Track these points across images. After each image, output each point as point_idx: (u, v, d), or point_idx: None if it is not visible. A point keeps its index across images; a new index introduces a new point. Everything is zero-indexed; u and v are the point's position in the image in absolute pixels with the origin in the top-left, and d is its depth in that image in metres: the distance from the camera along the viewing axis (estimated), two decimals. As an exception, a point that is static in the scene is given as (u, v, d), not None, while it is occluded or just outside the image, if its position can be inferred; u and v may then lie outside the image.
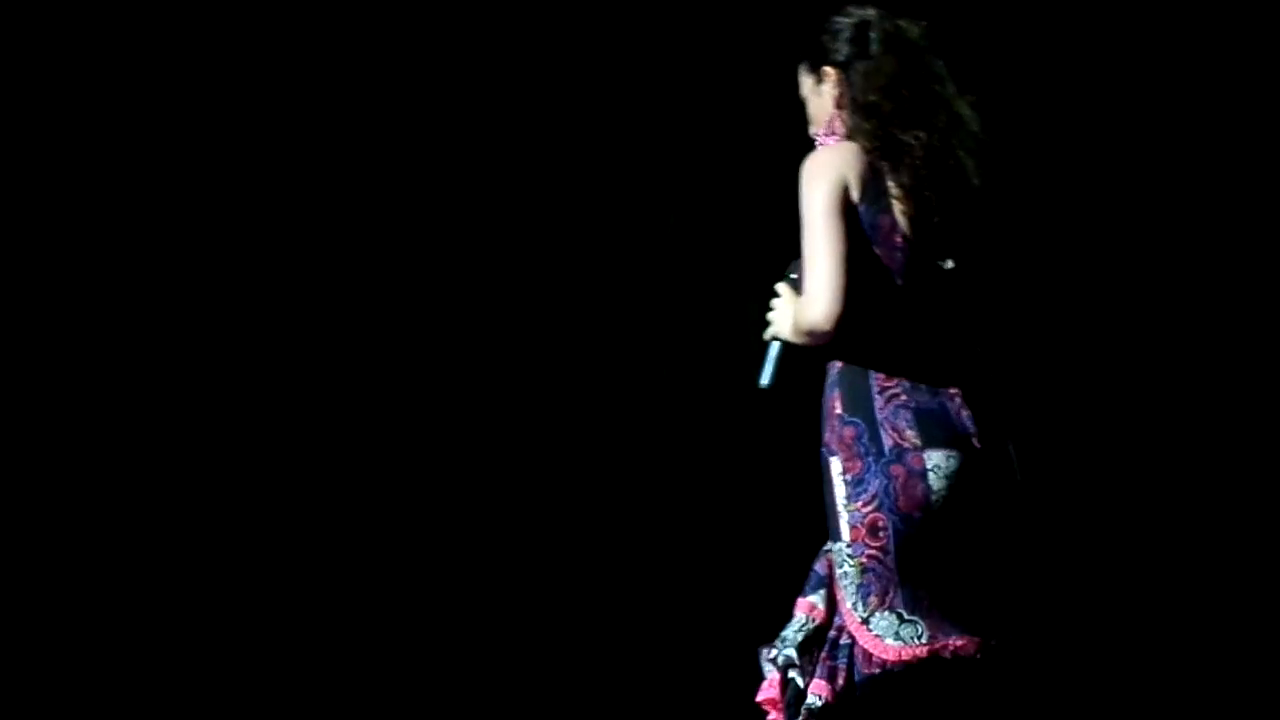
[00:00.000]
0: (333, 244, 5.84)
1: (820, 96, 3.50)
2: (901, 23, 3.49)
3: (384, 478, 5.81)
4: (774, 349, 3.46)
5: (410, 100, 5.82)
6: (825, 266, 3.28)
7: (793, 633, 3.40)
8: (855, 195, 3.34)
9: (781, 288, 3.47)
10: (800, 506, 3.73)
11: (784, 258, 3.56)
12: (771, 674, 3.42)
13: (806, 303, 3.30)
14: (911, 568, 3.27)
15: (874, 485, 3.28)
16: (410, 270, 5.86)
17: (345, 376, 5.83)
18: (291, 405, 5.80)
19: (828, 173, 3.34)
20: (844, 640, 3.34)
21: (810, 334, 3.32)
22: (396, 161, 5.84)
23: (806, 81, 3.53)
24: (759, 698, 3.44)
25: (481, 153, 5.85)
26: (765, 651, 3.45)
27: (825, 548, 3.43)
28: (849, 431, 3.32)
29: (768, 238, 3.86)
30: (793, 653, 3.37)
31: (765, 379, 3.47)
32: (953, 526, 3.29)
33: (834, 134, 3.47)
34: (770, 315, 3.49)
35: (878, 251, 3.35)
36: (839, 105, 3.46)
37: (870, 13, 3.51)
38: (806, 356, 3.51)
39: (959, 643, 3.29)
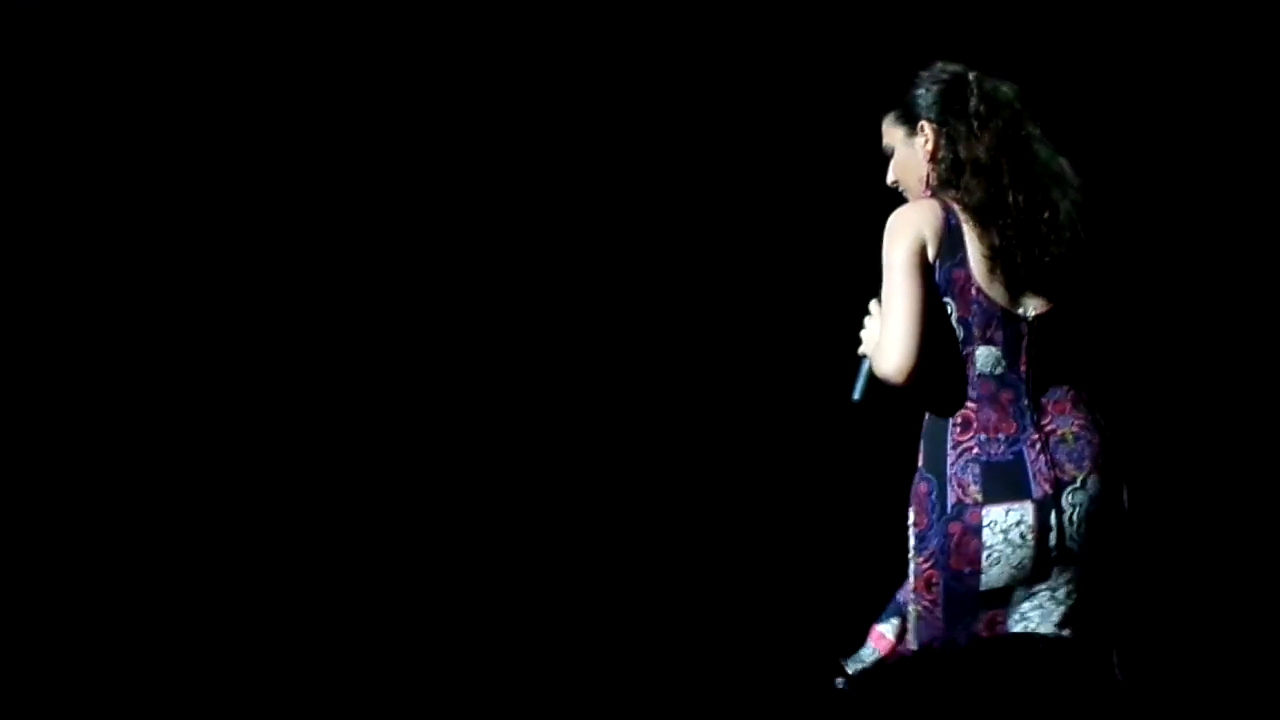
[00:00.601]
0: (330, 244, 5.81)
1: (913, 150, 3.60)
2: (998, 83, 3.58)
3: (392, 477, 5.83)
4: (865, 365, 3.57)
5: (413, 102, 5.80)
6: (899, 321, 3.41)
7: (862, 663, 3.62)
8: (932, 252, 3.46)
9: (874, 306, 3.59)
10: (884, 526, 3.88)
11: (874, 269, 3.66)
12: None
13: (881, 354, 3.44)
14: (956, 619, 3.46)
15: (933, 543, 3.45)
16: (421, 270, 5.85)
17: (343, 376, 5.83)
18: (294, 404, 5.82)
19: (907, 230, 3.45)
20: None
21: (886, 382, 3.46)
22: (400, 162, 5.82)
23: (897, 133, 3.63)
24: None
25: (525, 155, 5.82)
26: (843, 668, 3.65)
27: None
28: (923, 487, 3.48)
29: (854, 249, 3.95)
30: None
31: (856, 394, 3.58)
32: (1005, 578, 3.44)
33: (928, 188, 3.57)
34: (862, 333, 3.61)
35: (954, 305, 3.46)
36: (933, 160, 3.57)
37: (961, 68, 3.60)
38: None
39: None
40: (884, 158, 3.71)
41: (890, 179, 3.68)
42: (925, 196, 3.58)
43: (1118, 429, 3.63)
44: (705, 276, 5.81)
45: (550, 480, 5.82)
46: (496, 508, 5.83)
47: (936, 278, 3.47)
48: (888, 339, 3.43)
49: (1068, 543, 3.47)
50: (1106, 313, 3.69)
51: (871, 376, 3.54)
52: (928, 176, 3.58)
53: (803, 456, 5.73)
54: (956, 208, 3.50)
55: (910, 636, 3.55)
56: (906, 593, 3.56)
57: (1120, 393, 3.87)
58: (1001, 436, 3.46)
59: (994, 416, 3.47)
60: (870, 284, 3.62)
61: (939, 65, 3.63)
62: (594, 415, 5.85)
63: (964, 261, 3.48)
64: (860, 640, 3.68)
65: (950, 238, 3.48)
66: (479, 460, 5.82)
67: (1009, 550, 3.44)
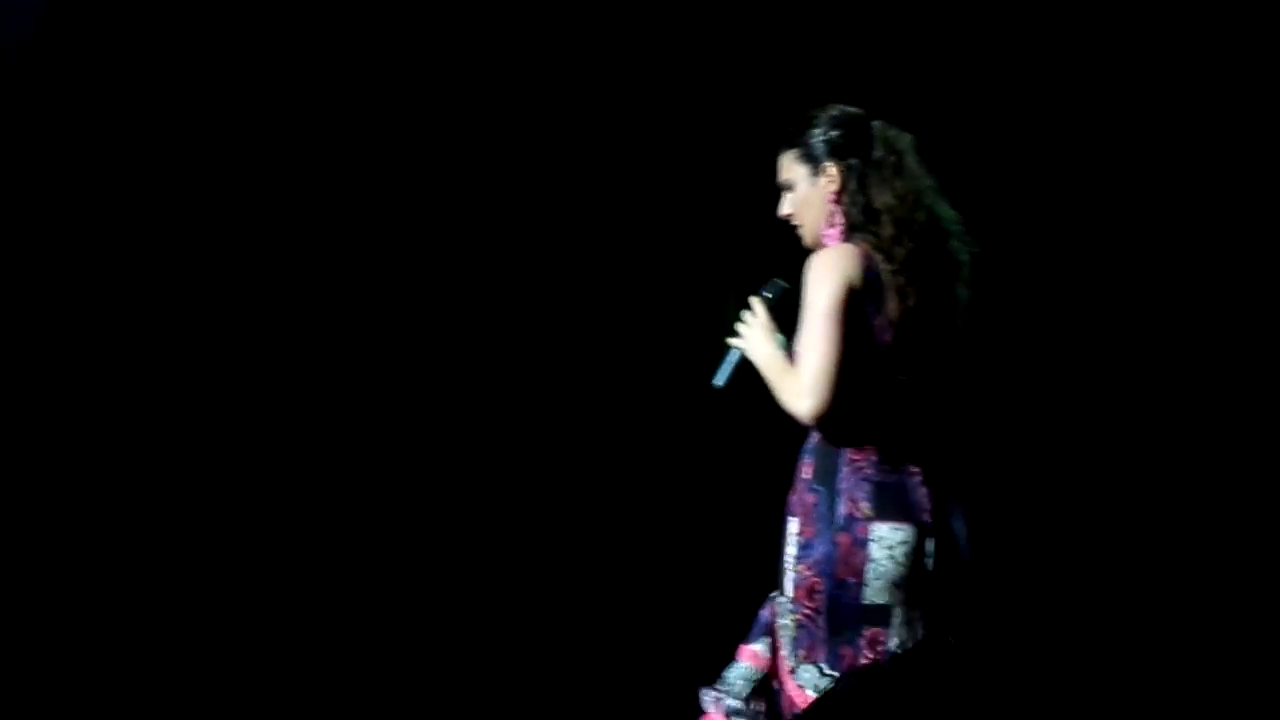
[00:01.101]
0: (311, 245, 5.88)
1: (815, 189, 3.70)
2: (898, 131, 3.72)
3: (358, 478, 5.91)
4: (733, 355, 3.70)
5: (387, 103, 5.88)
6: (818, 364, 3.53)
7: (740, 682, 3.65)
8: (858, 296, 3.56)
9: (755, 303, 3.71)
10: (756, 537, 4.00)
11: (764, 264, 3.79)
12: (713, 714, 3.64)
13: (795, 393, 3.54)
14: (839, 630, 3.52)
15: (819, 551, 3.53)
16: (380, 272, 5.92)
17: (314, 375, 5.91)
18: (266, 405, 5.88)
19: (835, 274, 3.56)
20: (777, 688, 3.61)
21: (794, 417, 3.57)
22: (379, 164, 5.91)
23: (798, 170, 3.72)
24: None
25: (458, 155, 5.92)
26: (707, 693, 3.67)
27: (772, 595, 3.66)
28: (811, 498, 3.57)
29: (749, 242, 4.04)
30: (739, 704, 3.63)
31: (719, 380, 3.72)
32: (884, 595, 3.54)
33: (834, 228, 3.68)
34: (739, 325, 3.70)
35: (867, 344, 3.56)
36: (838, 202, 3.68)
37: (861, 112, 3.72)
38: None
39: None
40: (776, 191, 3.81)
41: (784, 212, 3.76)
42: (828, 236, 3.70)
43: (975, 472, 3.79)
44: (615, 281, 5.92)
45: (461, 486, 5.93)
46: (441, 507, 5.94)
47: (862, 306, 3.58)
48: (805, 381, 3.54)
49: (942, 570, 3.59)
50: (984, 364, 3.83)
51: (736, 368, 3.68)
52: (832, 216, 3.69)
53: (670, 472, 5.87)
54: (876, 256, 3.62)
55: (786, 651, 3.60)
56: (775, 606, 3.63)
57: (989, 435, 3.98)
58: (890, 464, 3.58)
59: (885, 444, 3.59)
60: (748, 282, 3.77)
61: (838, 108, 3.75)
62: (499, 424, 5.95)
63: (881, 309, 3.60)
64: (726, 660, 3.73)
65: (873, 283, 3.60)
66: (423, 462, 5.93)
67: (891, 566, 3.54)
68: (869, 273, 3.59)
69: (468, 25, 5.90)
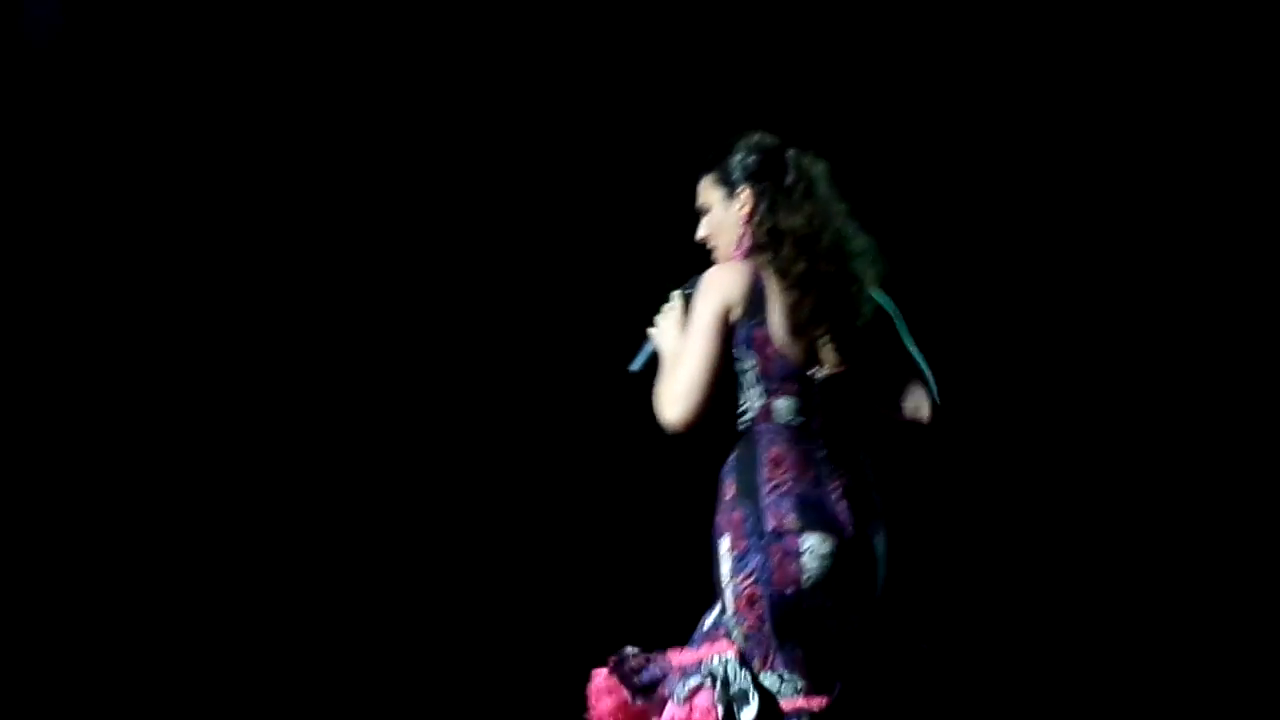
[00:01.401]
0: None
1: (729, 212, 3.88)
2: (813, 159, 3.89)
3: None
4: (650, 345, 3.89)
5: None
6: (689, 378, 3.74)
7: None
8: (737, 314, 3.77)
9: (675, 297, 3.89)
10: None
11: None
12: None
13: (666, 401, 3.75)
14: (787, 634, 3.72)
15: (754, 562, 3.71)
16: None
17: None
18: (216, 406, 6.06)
19: (716, 294, 3.78)
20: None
21: (663, 425, 3.76)
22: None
23: (715, 194, 3.90)
24: None
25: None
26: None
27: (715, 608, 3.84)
28: (737, 515, 3.75)
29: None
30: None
31: (635, 365, 3.92)
32: (821, 600, 3.73)
33: (742, 249, 3.85)
34: (658, 317, 3.89)
35: (756, 359, 3.77)
36: (749, 223, 3.85)
37: (779, 141, 3.90)
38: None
39: (819, 701, 3.74)
40: (695, 214, 3.99)
41: (701, 235, 3.95)
42: (736, 257, 3.88)
43: (890, 485, 3.94)
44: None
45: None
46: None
47: (740, 335, 3.78)
48: (676, 391, 3.75)
49: (867, 581, 3.80)
50: (898, 377, 3.92)
51: (651, 357, 3.88)
52: (741, 238, 3.87)
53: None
54: (765, 272, 3.80)
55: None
56: (727, 622, 3.77)
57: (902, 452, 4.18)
58: (808, 479, 3.77)
59: (798, 461, 3.78)
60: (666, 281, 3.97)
61: (757, 135, 3.92)
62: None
63: (764, 322, 3.78)
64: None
65: (755, 299, 3.78)
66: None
67: (824, 575, 3.73)
68: (754, 288, 3.78)
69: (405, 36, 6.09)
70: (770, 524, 3.73)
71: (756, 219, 3.85)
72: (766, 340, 3.79)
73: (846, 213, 3.87)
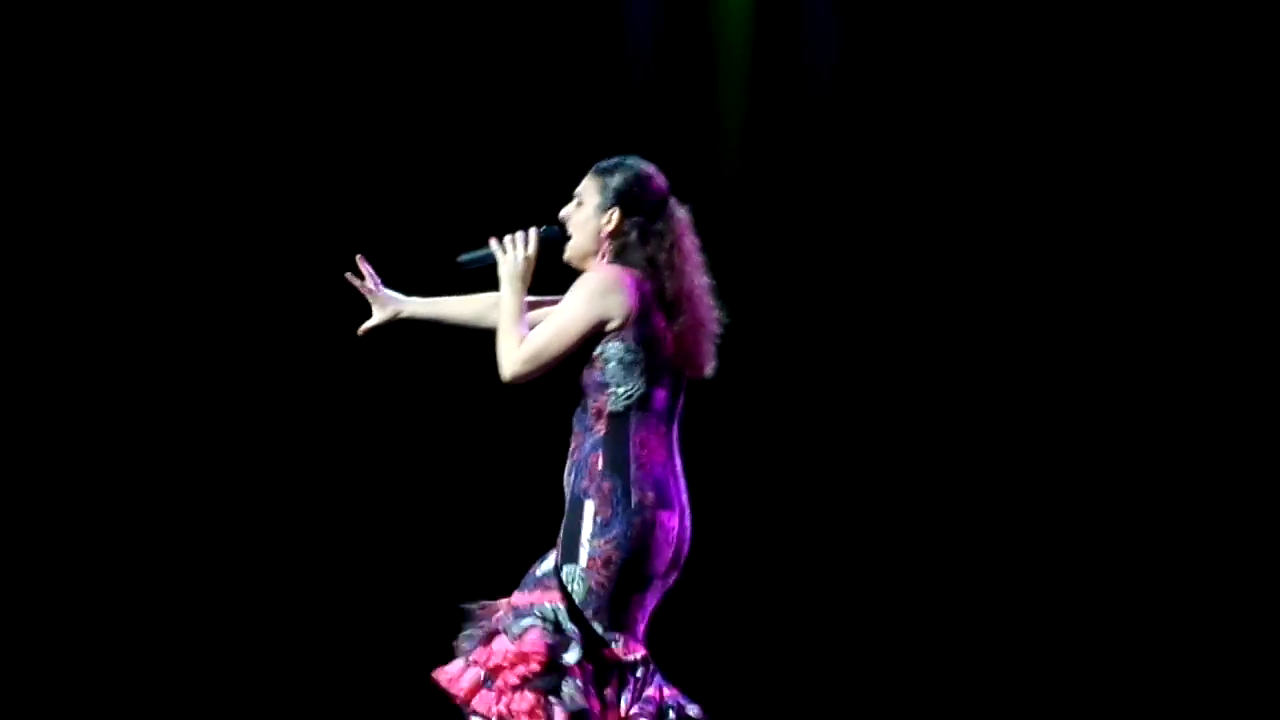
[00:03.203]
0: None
1: (594, 218, 4.39)
2: (679, 206, 4.42)
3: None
4: (488, 255, 4.37)
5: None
6: (546, 351, 4.28)
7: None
8: (619, 320, 4.29)
9: (533, 233, 4.37)
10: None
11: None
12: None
13: (516, 358, 4.27)
14: (625, 595, 4.27)
15: (617, 529, 4.25)
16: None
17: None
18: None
19: (607, 299, 4.29)
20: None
21: (499, 369, 4.29)
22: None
23: (593, 197, 4.41)
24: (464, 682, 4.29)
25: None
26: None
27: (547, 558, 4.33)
28: (607, 485, 4.28)
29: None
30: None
31: (464, 259, 4.42)
32: (660, 569, 4.31)
33: (604, 257, 4.37)
34: (510, 236, 4.36)
35: (645, 352, 4.30)
36: (610, 238, 4.38)
37: (665, 184, 4.41)
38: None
39: (637, 652, 4.29)
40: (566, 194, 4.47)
41: (563, 215, 4.46)
42: (593, 256, 4.41)
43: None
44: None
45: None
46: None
47: (634, 332, 4.30)
48: (526, 354, 4.29)
49: (683, 552, 4.38)
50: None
51: (482, 265, 4.39)
52: (600, 247, 4.39)
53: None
54: (649, 283, 4.35)
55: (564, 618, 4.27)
56: (570, 572, 4.27)
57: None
58: (661, 462, 4.35)
59: (658, 445, 4.35)
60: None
61: (653, 169, 4.44)
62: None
63: (653, 325, 4.33)
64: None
65: (645, 306, 4.32)
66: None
67: (666, 547, 4.31)
68: (646, 296, 4.32)
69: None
70: (635, 498, 4.28)
71: (619, 242, 4.38)
72: (659, 341, 4.34)
73: (702, 265, 4.41)
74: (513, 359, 4.31)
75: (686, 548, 4.38)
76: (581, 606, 4.25)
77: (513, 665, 4.20)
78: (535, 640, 4.22)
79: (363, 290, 4.70)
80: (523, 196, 4.99)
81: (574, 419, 4.38)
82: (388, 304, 4.69)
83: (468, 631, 4.32)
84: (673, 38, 6.60)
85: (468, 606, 4.36)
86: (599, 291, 4.31)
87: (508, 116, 6.57)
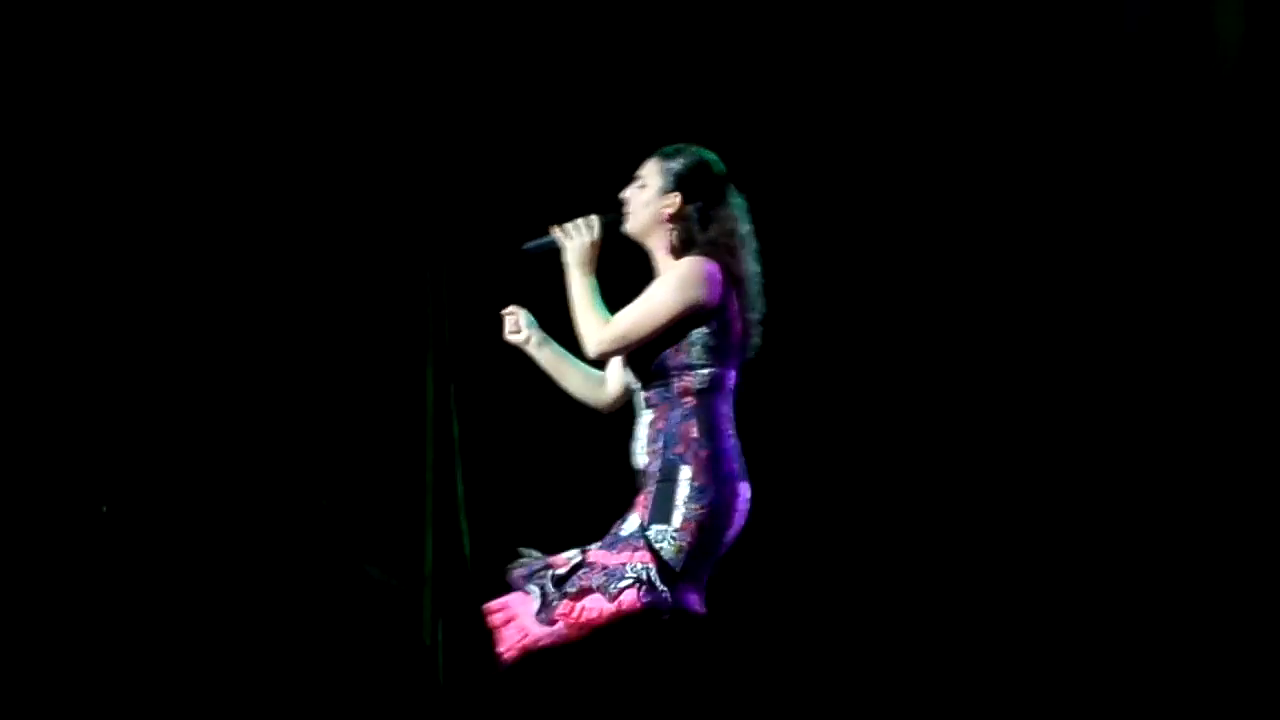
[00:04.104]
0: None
1: (655, 200, 4.62)
2: (740, 196, 4.65)
3: None
4: (551, 241, 4.61)
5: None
6: (633, 331, 4.52)
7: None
8: (704, 310, 4.52)
9: (595, 218, 4.60)
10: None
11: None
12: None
13: (603, 337, 4.51)
14: (706, 558, 4.49)
15: (710, 496, 4.47)
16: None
17: None
18: None
19: (697, 289, 4.52)
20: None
21: (581, 342, 4.53)
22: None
23: (655, 179, 4.64)
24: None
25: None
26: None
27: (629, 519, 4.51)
28: (704, 454, 4.49)
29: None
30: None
31: (529, 246, 4.65)
32: (731, 537, 4.53)
33: (669, 241, 4.61)
34: (570, 223, 4.59)
35: (723, 340, 4.55)
36: (670, 221, 4.62)
37: (725, 171, 4.64)
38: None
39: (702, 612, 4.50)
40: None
41: (623, 195, 4.68)
42: (655, 237, 4.63)
43: None
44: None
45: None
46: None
47: (718, 318, 4.54)
48: (615, 334, 4.53)
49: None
50: None
51: (546, 251, 4.62)
52: (662, 229, 4.63)
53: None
54: (726, 272, 4.59)
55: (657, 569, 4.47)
56: (661, 533, 4.44)
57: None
58: (736, 438, 4.58)
59: (732, 421, 4.60)
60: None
61: (711, 157, 4.67)
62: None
63: (731, 312, 4.58)
64: None
65: (726, 294, 4.57)
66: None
67: (738, 519, 4.56)
68: (728, 281, 4.57)
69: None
70: (724, 468, 4.53)
71: (682, 225, 4.62)
72: (733, 326, 4.58)
73: (755, 251, 4.64)
74: (599, 339, 4.54)
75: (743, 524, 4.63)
76: (674, 567, 4.43)
77: (609, 625, 4.41)
78: (633, 600, 4.41)
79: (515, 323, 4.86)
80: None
81: (648, 395, 4.59)
82: (532, 335, 4.85)
83: (539, 579, 4.50)
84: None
85: (528, 557, 4.57)
86: (691, 282, 4.53)
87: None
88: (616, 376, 4.77)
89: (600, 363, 4.70)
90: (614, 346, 4.54)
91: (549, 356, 4.82)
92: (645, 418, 4.57)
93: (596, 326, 4.53)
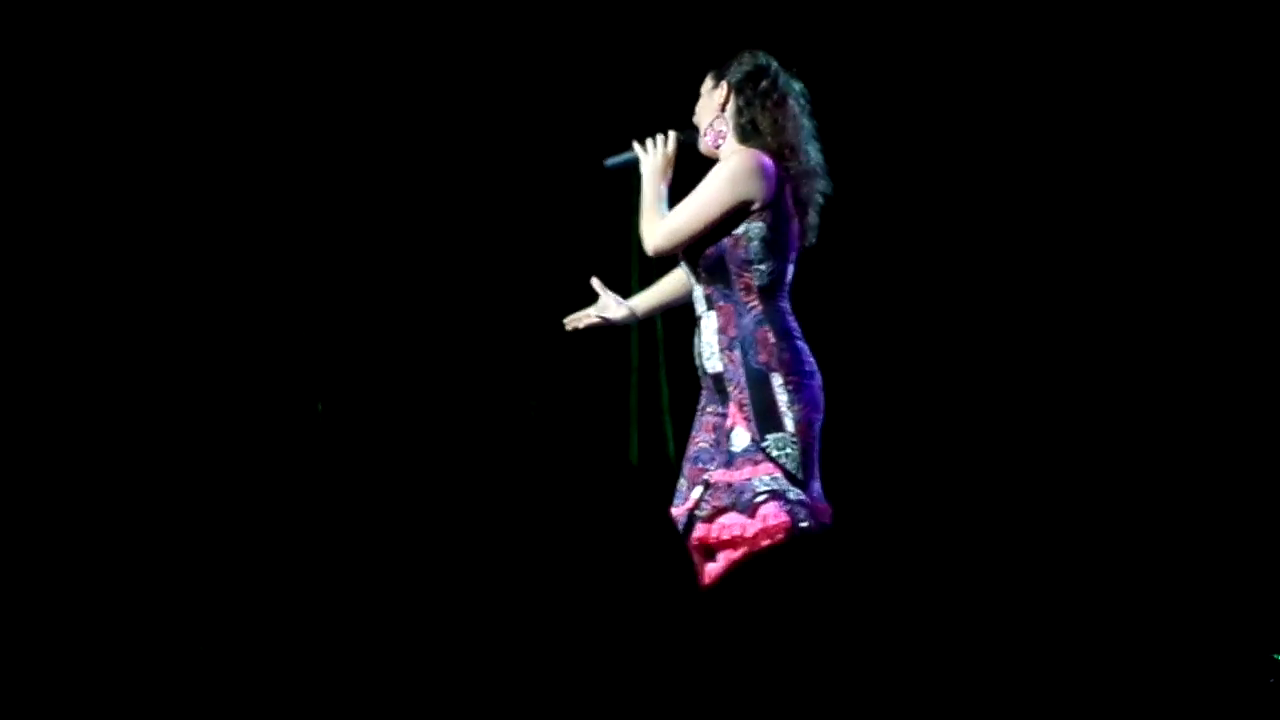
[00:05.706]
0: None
1: (710, 98, 4.67)
2: (793, 79, 4.66)
3: None
4: (631, 157, 4.69)
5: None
6: (687, 226, 4.55)
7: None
8: (756, 204, 4.52)
9: (672, 136, 4.67)
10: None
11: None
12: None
13: (659, 232, 4.56)
14: (816, 453, 4.50)
15: (807, 393, 4.48)
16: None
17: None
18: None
19: (749, 182, 4.53)
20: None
21: (645, 246, 4.60)
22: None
23: (708, 83, 4.68)
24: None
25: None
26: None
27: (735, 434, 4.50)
28: (788, 355, 4.50)
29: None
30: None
31: (610, 162, 4.74)
32: (821, 427, 4.54)
33: (718, 135, 4.64)
34: (649, 141, 4.65)
35: (778, 235, 4.53)
36: (722, 110, 4.64)
37: (771, 61, 4.66)
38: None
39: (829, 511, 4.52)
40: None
41: (695, 119, 4.72)
42: (710, 137, 4.66)
43: None
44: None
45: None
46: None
47: (771, 215, 4.53)
48: (670, 229, 4.57)
49: None
50: None
51: (626, 166, 4.70)
52: (718, 124, 4.65)
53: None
54: (780, 165, 4.58)
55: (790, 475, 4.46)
56: (780, 441, 4.44)
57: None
58: (799, 329, 4.61)
59: (794, 315, 4.62)
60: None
61: (760, 52, 4.68)
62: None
63: (786, 204, 4.58)
64: None
65: (781, 186, 4.56)
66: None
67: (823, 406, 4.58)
68: (782, 178, 4.56)
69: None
70: (806, 364, 4.54)
71: (732, 111, 4.63)
72: (790, 219, 4.57)
73: (812, 133, 4.67)
74: (654, 235, 4.59)
75: None
76: (796, 471, 4.45)
77: (754, 540, 4.39)
78: (776, 512, 4.41)
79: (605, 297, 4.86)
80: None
81: (709, 293, 4.59)
82: (621, 309, 4.87)
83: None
84: None
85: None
86: (741, 175, 4.55)
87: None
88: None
89: (669, 264, 4.71)
90: (668, 241, 4.57)
91: (645, 303, 4.87)
92: (710, 320, 4.59)
93: (655, 226, 4.57)
